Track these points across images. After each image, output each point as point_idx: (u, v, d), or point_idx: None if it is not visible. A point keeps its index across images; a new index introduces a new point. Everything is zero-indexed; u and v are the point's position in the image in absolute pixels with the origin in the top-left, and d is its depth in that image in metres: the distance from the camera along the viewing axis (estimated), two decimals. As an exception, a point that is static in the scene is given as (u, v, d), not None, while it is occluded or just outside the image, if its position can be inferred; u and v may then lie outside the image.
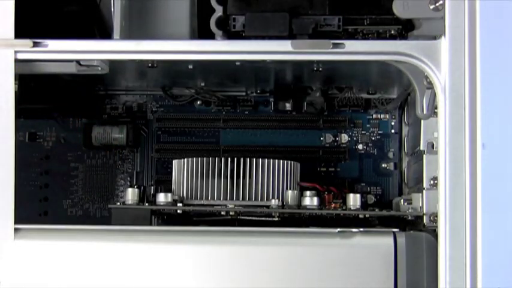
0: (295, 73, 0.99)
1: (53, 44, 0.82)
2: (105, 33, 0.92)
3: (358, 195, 0.92)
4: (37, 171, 1.11)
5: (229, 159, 0.95)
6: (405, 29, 0.86)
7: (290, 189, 0.94)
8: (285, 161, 0.95)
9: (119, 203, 0.92)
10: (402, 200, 0.94)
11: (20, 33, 0.81)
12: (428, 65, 0.79)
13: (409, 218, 0.90)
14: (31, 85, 0.95)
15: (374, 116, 1.10)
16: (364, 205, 0.97)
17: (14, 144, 0.81)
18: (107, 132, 1.09)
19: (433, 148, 0.88)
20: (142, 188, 0.93)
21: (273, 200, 0.92)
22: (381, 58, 0.81)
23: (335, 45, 0.80)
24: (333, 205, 0.92)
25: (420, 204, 0.87)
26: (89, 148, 1.10)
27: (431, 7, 0.80)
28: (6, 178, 0.80)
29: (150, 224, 0.90)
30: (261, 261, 0.80)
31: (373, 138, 1.10)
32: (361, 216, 0.90)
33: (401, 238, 0.80)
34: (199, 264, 0.80)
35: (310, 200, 0.91)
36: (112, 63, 0.85)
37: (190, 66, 0.90)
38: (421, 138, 0.89)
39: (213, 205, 0.92)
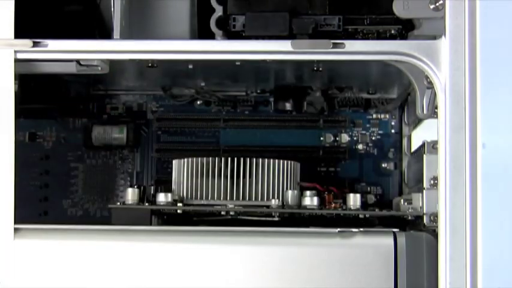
0: (295, 73, 0.99)
1: (53, 44, 0.82)
2: (105, 33, 0.92)
3: (358, 195, 0.92)
4: (37, 171, 1.11)
5: (229, 159, 0.95)
6: (405, 29, 0.86)
7: (290, 189, 0.94)
8: (285, 161, 0.95)
9: (118, 203, 0.92)
10: (402, 200, 0.94)
11: (20, 33, 0.81)
12: (429, 65, 0.79)
13: (409, 218, 0.90)
14: (31, 85, 0.95)
15: (374, 116, 1.10)
16: (364, 205, 0.97)
17: (14, 144, 0.81)
18: (107, 132, 1.09)
19: (433, 148, 0.88)
20: (142, 188, 0.93)
21: (273, 200, 0.92)
22: (381, 58, 0.81)
23: (335, 45, 0.80)
24: (333, 205, 0.92)
25: (420, 204, 0.87)
26: (89, 148, 1.10)
27: (431, 7, 0.80)
28: (6, 178, 0.80)
29: (150, 224, 0.90)
30: (261, 261, 0.80)
31: (373, 138, 1.10)
32: (361, 216, 0.90)
33: (401, 238, 0.80)
34: (199, 265, 0.80)
35: (310, 200, 0.91)
36: (112, 63, 0.85)
37: (190, 66, 0.90)
38: (424, 172, 0.88)
39: (213, 205, 0.92)
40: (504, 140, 0.77)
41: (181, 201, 0.92)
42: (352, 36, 0.87)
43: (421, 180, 0.88)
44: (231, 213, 0.91)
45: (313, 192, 0.92)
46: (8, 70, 0.81)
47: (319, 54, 0.81)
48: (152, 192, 0.93)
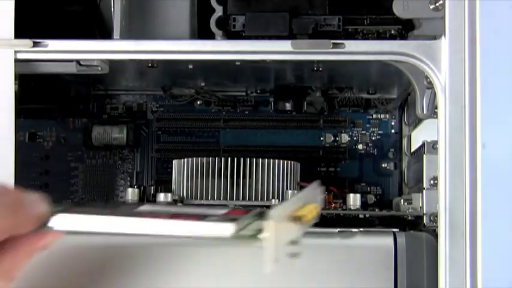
0: (295, 73, 0.99)
1: (53, 44, 0.82)
2: (105, 33, 0.92)
3: (358, 195, 0.92)
4: (37, 171, 1.11)
5: (229, 159, 0.95)
6: (405, 29, 0.86)
7: (290, 189, 0.94)
8: (285, 161, 0.95)
9: (118, 203, 0.92)
10: (402, 200, 0.94)
11: (20, 33, 0.81)
12: (428, 65, 0.79)
13: (409, 218, 0.90)
14: (31, 85, 0.95)
15: (374, 116, 1.10)
16: (364, 205, 0.97)
17: (14, 144, 0.81)
18: (107, 132, 1.09)
19: (433, 148, 0.88)
20: (142, 188, 0.93)
21: (273, 200, 0.92)
22: (381, 58, 0.81)
23: (335, 45, 0.80)
24: (333, 205, 0.92)
25: (420, 204, 0.87)
26: (89, 148, 1.10)
27: (431, 7, 0.80)
28: (6, 178, 0.80)
29: (150, 224, 0.90)
30: (261, 261, 0.80)
31: (373, 138, 1.10)
32: (361, 216, 0.90)
33: (401, 238, 0.80)
34: (199, 264, 0.80)
35: (310, 200, 0.91)
36: (112, 63, 0.85)
37: (190, 66, 0.90)
38: (424, 172, 0.88)
39: (213, 205, 0.92)
40: (504, 140, 0.77)
41: (181, 201, 0.92)
42: (352, 36, 0.87)
43: (421, 180, 0.88)
44: (231, 213, 0.91)
45: (313, 192, 0.92)
46: (8, 70, 0.81)
47: (319, 54, 0.81)
48: (152, 192, 0.93)
